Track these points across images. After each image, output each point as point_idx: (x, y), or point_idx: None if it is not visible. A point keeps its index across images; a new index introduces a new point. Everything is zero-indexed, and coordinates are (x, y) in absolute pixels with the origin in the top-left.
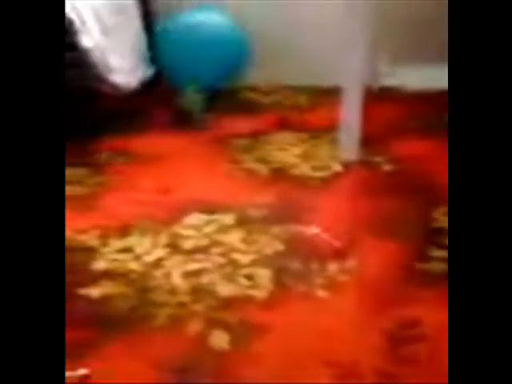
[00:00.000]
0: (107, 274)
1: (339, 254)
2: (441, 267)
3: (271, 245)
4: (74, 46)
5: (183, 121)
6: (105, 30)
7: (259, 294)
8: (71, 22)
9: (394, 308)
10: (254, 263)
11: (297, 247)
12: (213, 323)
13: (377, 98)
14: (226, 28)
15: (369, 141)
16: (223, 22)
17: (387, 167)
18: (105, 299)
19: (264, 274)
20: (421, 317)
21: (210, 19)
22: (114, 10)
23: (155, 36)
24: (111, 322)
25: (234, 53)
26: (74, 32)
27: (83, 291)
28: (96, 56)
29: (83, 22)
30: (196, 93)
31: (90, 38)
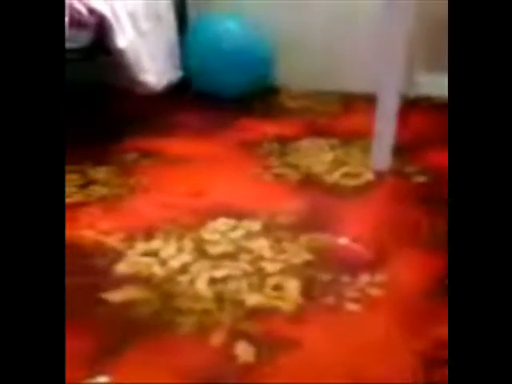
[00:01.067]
0: (131, 278)
1: (370, 266)
2: None
3: (300, 254)
4: (108, 48)
5: None
6: (139, 33)
7: (286, 305)
8: (107, 22)
9: (428, 325)
10: (281, 272)
11: (326, 257)
12: (238, 334)
13: (411, 106)
14: (252, 35)
15: (401, 150)
16: (249, 28)
17: (420, 178)
18: (127, 304)
19: (292, 285)
20: None
21: (236, 26)
22: (150, 15)
23: (184, 41)
24: (133, 329)
25: (260, 60)
26: (109, 32)
27: (105, 295)
28: (130, 56)
29: (119, 23)
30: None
31: (124, 39)
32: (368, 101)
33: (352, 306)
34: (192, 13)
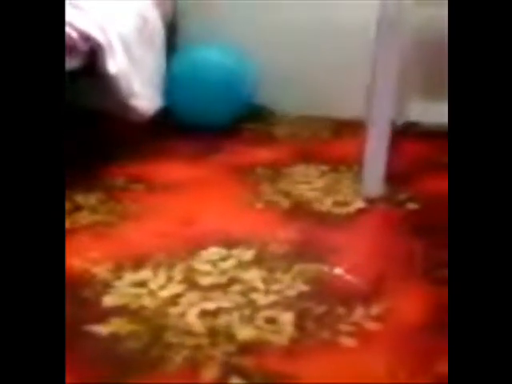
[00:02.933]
0: (118, 310)
1: (365, 298)
2: None
3: (293, 285)
4: (97, 71)
5: None
6: (131, 58)
7: (280, 339)
8: (100, 47)
9: (428, 361)
10: (274, 305)
11: (320, 289)
12: (230, 369)
13: (402, 133)
14: (236, 63)
15: (393, 177)
16: (234, 56)
17: (412, 205)
18: (115, 338)
19: (285, 318)
20: None
21: (220, 55)
22: (143, 41)
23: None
24: (121, 364)
25: (246, 88)
26: (101, 57)
27: (92, 328)
28: (121, 82)
29: (111, 48)
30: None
31: (116, 64)
32: (358, 127)
33: (347, 341)
34: (181, 41)
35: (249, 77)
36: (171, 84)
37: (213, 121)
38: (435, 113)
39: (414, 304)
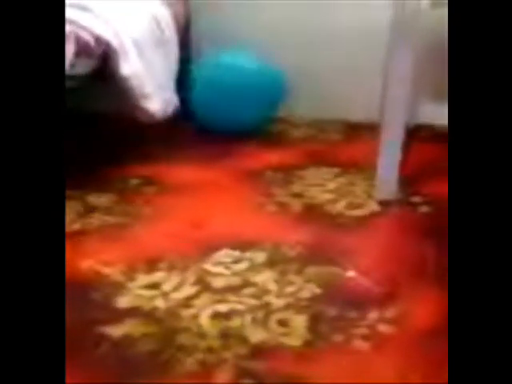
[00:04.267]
0: (132, 312)
1: (379, 301)
2: None
3: (306, 288)
4: (110, 74)
5: None
6: (144, 60)
7: (293, 342)
8: (112, 49)
9: (441, 366)
10: (287, 307)
11: (333, 292)
12: (243, 372)
13: (415, 135)
14: (258, 69)
15: (406, 180)
16: (255, 62)
17: (425, 208)
18: (128, 340)
19: (298, 321)
20: None
21: (241, 61)
22: (155, 42)
23: (189, 77)
24: (134, 366)
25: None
26: (113, 59)
27: (105, 330)
28: (133, 84)
29: (123, 50)
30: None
31: (128, 66)
32: (370, 130)
33: (361, 344)
34: (195, 43)
35: (276, 81)
36: (196, 88)
37: (237, 125)
38: (447, 115)
39: (427, 308)
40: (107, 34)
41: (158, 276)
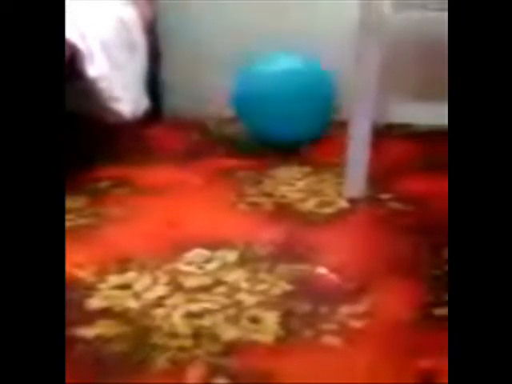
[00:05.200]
0: (104, 313)
1: (349, 297)
2: None
3: (277, 285)
4: (79, 75)
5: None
6: (112, 62)
7: (265, 338)
8: (78, 51)
9: (412, 358)
10: (259, 305)
11: (304, 288)
12: (215, 369)
13: (384, 134)
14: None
15: (375, 177)
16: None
17: (395, 205)
18: (100, 340)
19: (270, 317)
20: (442, 368)
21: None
22: (123, 46)
23: (234, 82)
24: (106, 366)
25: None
26: (79, 61)
27: (77, 331)
28: (101, 85)
29: (90, 52)
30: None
31: (95, 68)
32: (340, 128)
33: (332, 339)
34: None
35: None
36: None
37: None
38: (417, 114)
39: (397, 302)
40: (73, 36)
41: (129, 276)
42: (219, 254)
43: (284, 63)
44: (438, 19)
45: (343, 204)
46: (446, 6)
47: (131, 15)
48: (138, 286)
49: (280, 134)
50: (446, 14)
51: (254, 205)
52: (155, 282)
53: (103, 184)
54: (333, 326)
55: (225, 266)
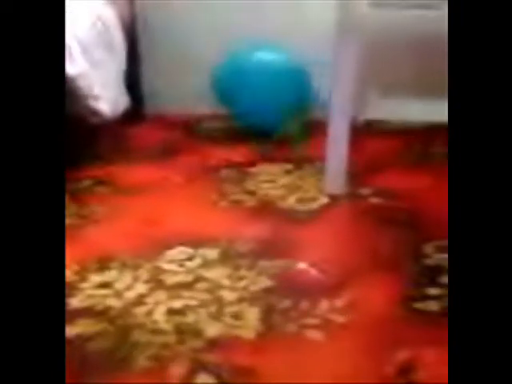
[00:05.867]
0: (85, 312)
1: (330, 291)
2: (438, 306)
3: (258, 281)
4: None
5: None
6: (91, 61)
7: (246, 334)
8: None
9: (393, 350)
10: (240, 301)
11: (285, 284)
12: (198, 365)
13: (363, 130)
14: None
15: (355, 174)
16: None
17: (375, 200)
18: (82, 339)
19: (251, 313)
20: (421, 360)
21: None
22: (102, 45)
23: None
24: (89, 364)
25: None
26: None
27: None
28: (80, 84)
29: (68, 51)
30: (298, 121)
31: (74, 66)
32: (320, 125)
33: (313, 333)
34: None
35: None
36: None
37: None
38: (394, 110)
39: (378, 296)
40: None
41: (110, 275)
42: (201, 251)
43: (261, 56)
44: (415, 17)
45: (324, 200)
46: (422, 4)
47: (109, 14)
48: (119, 285)
49: (257, 120)
50: (423, 12)
51: (236, 202)
52: (136, 279)
53: (85, 183)
54: (314, 321)
55: (206, 263)
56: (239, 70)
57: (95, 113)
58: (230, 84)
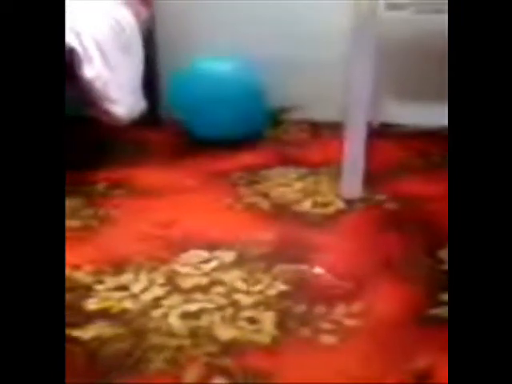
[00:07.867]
0: (101, 314)
1: (345, 296)
2: None
3: (274, 285)
4: (75, 76)
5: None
6: (108, 64)
7: (262, 338)
8: (74, 52)
9: (407, 357)
10: (256, 305)
11: (301, 288)
12: (213, 369)
13: (379, 134)
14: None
15: (371, 178)
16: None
17: (390, 205)
18: (98, 341)
19: (267, 317)
20: (437, 366)
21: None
22: (119, 47)
23: (171, 83)
24: (104, 367)
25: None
26: (76, 61)
27: (75, 332)
28: (97, 87)
29: (86, 53)
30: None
31: (92, 69)
32: (336, 129)
33: (328, 338)
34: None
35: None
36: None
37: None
38: (410, 114)
39: (392, 301)
40: (69, 38)
41: (126, 278)
42: (216, 254)
43: (217, 67)
44: (431, 21)
45: (340, 205)
46: (438, 7)
47: (127, 16)
48: (134, 288)
49: (212, 132)
50: (438, 16)
51: (251, 206)
52: (152, 283)
53: (100, 186)
54: (329, 326)
55: (221, 267)
56: (187, 79)
57: (112, 116)
58: (180, 92)
